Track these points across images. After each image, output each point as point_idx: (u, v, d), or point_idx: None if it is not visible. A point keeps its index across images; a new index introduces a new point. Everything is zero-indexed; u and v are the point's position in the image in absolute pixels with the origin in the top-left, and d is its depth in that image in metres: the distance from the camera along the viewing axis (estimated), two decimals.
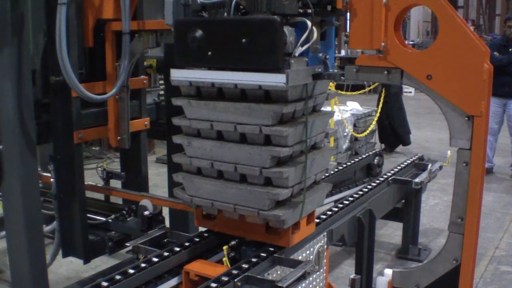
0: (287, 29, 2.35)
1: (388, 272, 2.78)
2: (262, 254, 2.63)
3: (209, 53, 2.43)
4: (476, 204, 2.41)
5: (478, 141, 2.34)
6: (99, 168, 4.13)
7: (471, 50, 2.26)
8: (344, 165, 5.03)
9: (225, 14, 2.47)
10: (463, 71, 2.29)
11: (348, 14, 2.50)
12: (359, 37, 2.41)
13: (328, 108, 6.90)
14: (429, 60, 2.35)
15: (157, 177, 6.76)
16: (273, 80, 2.35)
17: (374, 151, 5.64)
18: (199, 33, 2.42)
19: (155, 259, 2.64)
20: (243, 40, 2.33)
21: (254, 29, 2.33)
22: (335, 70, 2.67)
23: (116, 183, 4.12)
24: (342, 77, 2.61)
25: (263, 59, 2.33)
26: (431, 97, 2.39)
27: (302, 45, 2.42)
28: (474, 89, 2.29)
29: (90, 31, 3.41)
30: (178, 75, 2.62)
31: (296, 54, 2.41)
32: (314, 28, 2.41)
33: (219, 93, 2.59)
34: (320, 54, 2.62)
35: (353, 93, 10.25)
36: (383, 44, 2.37)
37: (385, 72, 2.44)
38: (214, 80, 2.52)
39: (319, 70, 2.61)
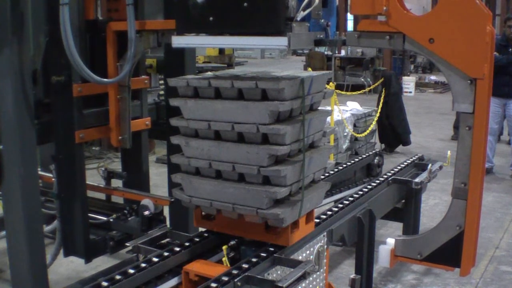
0: None
1: (391, 241, 2.73)
2: (262, 254, 2.63)
3: (211, 18, 2.43)
4: (479, 168, 2.37)
5: (481, 104, 2.31)
6: (101, 169, 4.15)
7: (473, 12, 2.23)
8: (344, 165, 5.02)
9: None
10: (466, 34, 2.26)
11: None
12: (361, 1, 2.40)
13: (328, 108, 6.90)
14: (431, 23, 2.33)
15: (157, 177, 6.75)
16: (275, 43, 2.35)
17: (374, 151, 5.63)
18: None
19: (155, 259, 2.65)
20: (245, 4, 2.33)
21: None
22: (336, 38, 2.66)
23: (117, 183, 4.13)
24: (343, 44, 2.61)
25: (265, 23, 2.33)
26: (434, 61, 2.36)
27: (304, 10, 2.41)
28: (476, 52, 2.26)
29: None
30: (179, 41, 2.61)
31: (298, 19, 2.41)
32: None
33: (216, 93, 2.59)
34: (322, 21, 2.62)
35: (353, 93, 10.24)
36: (384, 8, 2.35)
37: (387, 37, 2.43)
38: (216, 45, 2.53)
39: (321, 36, 2.62)
